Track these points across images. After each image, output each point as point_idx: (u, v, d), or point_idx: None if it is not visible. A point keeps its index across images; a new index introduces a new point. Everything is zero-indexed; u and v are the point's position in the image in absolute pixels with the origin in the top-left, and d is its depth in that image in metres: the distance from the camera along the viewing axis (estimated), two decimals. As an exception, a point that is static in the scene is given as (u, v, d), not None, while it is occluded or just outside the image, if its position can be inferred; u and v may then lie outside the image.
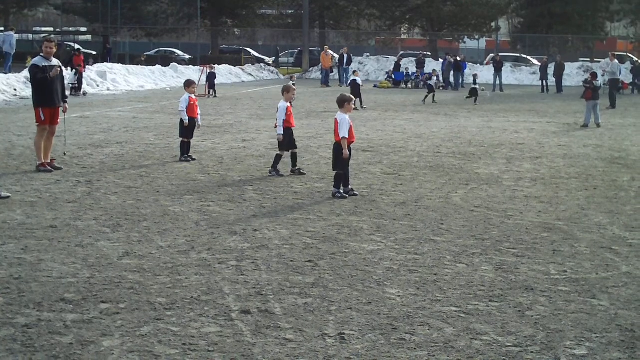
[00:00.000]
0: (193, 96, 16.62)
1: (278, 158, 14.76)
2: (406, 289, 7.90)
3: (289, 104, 14.69)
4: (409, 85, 51.08)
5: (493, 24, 73.31)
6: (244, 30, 77.15)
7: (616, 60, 38.32)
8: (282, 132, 14.44)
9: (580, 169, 16.21)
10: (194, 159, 16.25)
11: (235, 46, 73.65)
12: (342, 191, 12.67)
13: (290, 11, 76.59)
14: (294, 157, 14.90)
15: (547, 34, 68.75)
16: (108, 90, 38.72)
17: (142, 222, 10.61)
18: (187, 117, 16.28)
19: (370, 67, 61.99)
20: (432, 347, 6.36)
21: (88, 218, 10.76)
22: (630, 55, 63.37)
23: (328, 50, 52.04)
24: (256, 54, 71.34)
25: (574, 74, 58.24)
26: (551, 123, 26.38)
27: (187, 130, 16.41)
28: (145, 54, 62.64)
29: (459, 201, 12.56)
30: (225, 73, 52.85)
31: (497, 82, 48.17)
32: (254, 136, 20.86)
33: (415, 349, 6.33)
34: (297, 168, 14.87)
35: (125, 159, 16.32)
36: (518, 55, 67.40)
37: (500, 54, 55.46)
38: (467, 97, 37.19)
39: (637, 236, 10.42)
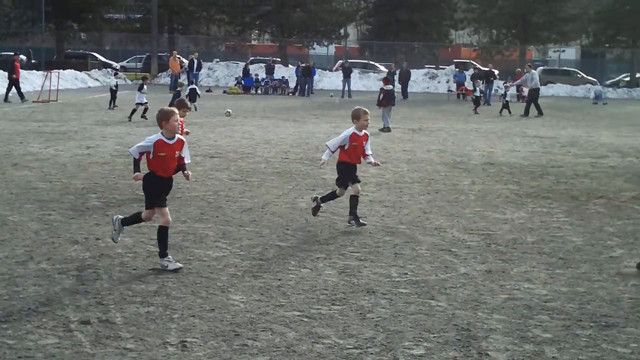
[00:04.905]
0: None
1: (332, 195, 11.78)
2: (250, 294, 7.92)
3: (358, 132, 11.56)
4: (259, 91, 51.28)
5: (342, 30, 74.42)
6: (91, 34, 75.36)
7: (533, 70, 39.04)
8: (327, 158, 11.65)
9: (424, 174, 16.63)
10: None
11: (81, 51, 71.90)
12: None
13: (138, 15, 75.36)
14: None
15: (394, 41, 70.23)
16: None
17: (-21, 232, 10.23)
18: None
19: (220, 73, 61.84)
20: (274, 352, 6.39)
21: None
22: (474, 63, 65.48)
23: (177, 56, 51.57)
24: (103, 59, 69.93)
25: (419, 80, 59.81)
26: (396, 129, 26.94)
27: None
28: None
29: (305, 206, 12.66)
30: (70, 78, 51.60)
31: (346, 88, 48.86)
32: (99, 143, 20.43)
33: (257, 354, 6.35)
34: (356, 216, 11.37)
35: (-38, 167, 15.70)
36: (366, 61, 68.58)
37: (348, 61, 56.30)
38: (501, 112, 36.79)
39: (475, 238, 10.78)
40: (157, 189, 9.00)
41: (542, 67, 67.05)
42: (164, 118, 8.97)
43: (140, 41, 73.53)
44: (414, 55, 71.92)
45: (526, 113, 35.83)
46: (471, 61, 67.62)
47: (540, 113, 35.72)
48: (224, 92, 49.58)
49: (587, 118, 36.40)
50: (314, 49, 74.77)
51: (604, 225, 11.92)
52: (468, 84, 51.78)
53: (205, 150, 19.46)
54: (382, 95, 27.46)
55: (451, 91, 52.85)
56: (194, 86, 34.61)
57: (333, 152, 11.58)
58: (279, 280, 8.47)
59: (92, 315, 7.12)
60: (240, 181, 14.99)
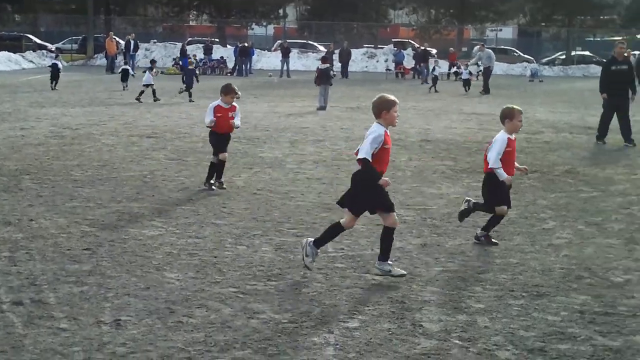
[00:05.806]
0: (225, 105, 12.44)
1: (495, 221, 9.40)
2: (185, 272, 7.89)
3: (509, 135, 9.22)
4: (197, 72, 50.82)
5: (280, 10, 74.14)
6: (25, 16, 74.00)
7: (488, 50, 39.47)
8: (505, 175, 9.10)
9: (361, 151, 16.64)
10: (223, 188, 12.32)
11: (15, 32, 70.50)
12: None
13: (74, -4, 74.21)
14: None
15: (333, 20, 70.20)
16: None
17: None
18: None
19: (157, 54, 61.04)
20: (209, 328, 6.38)
21: None
22: (412, 42, 65.78)
23: (113, 37, 50.91)
24: (38, 41, 68.66)
25: (358, 59, 59.83)
26: (335, 107, 26.97)
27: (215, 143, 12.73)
28: None
29: (242, 184, 12.65)
30: (4, 60, 50.73)
31: (285, 67, 48.75)
32: (34, 124, 20.09)
33: (192, 330, 6.33)
34: (488, 234, 9.44)
35: None
36: (305, 41, 68.45)
37: (287, 41, 56.11)
38: (466, 89, 37.87)
39: (411, 213, 10.86)
40: (383, 187, 7.84)
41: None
42: (384, 108, 7.96)
43: (76, 22, 72.34)
44: (353, 35, 71.91)
45: (486, 90, 36.66)
46: (409, 40, 67.91)
47: (485, 91, 36.44)
48: (162, 72, 49.05)
49: (523, 95, 36.77)
50: (252, 29, 74.46)
51: (537, 198, 12.11)
52: (407, 63, 52.02)
53: (141, 130, 19.29)
54: (316, 74, 27.92)
55: (389, 70, 53.00)
56: (127, 67, 35.13)
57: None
58: (215, 257, 8.44)
59: (24, 296, 7.03)
60: (177, 160, 14.90)
